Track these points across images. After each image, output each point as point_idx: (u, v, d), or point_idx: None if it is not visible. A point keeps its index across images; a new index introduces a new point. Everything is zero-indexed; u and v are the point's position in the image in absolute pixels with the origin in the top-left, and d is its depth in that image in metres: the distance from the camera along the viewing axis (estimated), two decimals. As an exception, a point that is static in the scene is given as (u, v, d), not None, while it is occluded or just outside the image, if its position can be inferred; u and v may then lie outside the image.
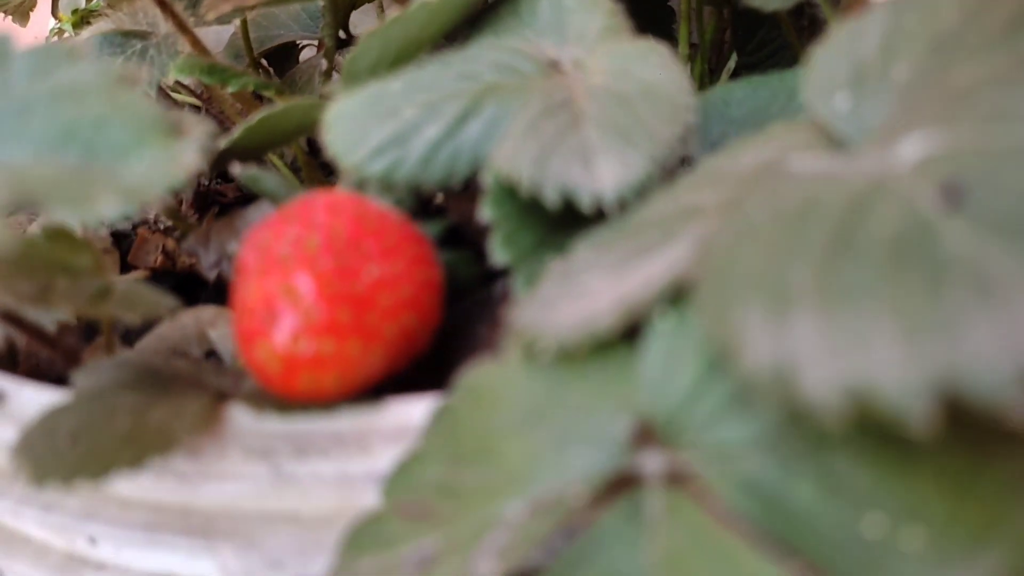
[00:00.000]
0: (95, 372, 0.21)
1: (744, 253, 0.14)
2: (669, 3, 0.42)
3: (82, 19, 0.43)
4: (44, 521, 0.23)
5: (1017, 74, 0.14)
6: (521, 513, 0.16)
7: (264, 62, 0.43)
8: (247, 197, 0.37)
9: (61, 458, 0.18)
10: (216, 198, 0.37)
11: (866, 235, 0.13)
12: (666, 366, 0.15)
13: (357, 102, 0.24)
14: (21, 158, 0.15)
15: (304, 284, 0.18)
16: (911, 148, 0.14)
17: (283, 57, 0.43)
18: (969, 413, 0.11)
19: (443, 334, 0.23)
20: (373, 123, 0.23)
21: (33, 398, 0.21)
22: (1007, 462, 0.13)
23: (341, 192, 0.21)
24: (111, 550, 0.23)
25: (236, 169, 0.24)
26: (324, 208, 0.20)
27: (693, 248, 0.16)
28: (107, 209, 0.14)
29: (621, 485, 0.15)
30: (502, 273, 0.26)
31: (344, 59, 0.37)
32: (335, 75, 0.38)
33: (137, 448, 0.18)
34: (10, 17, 0.50)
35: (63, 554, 0.24)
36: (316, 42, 0.46)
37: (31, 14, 0.50)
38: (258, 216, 0.27)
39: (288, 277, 0.18)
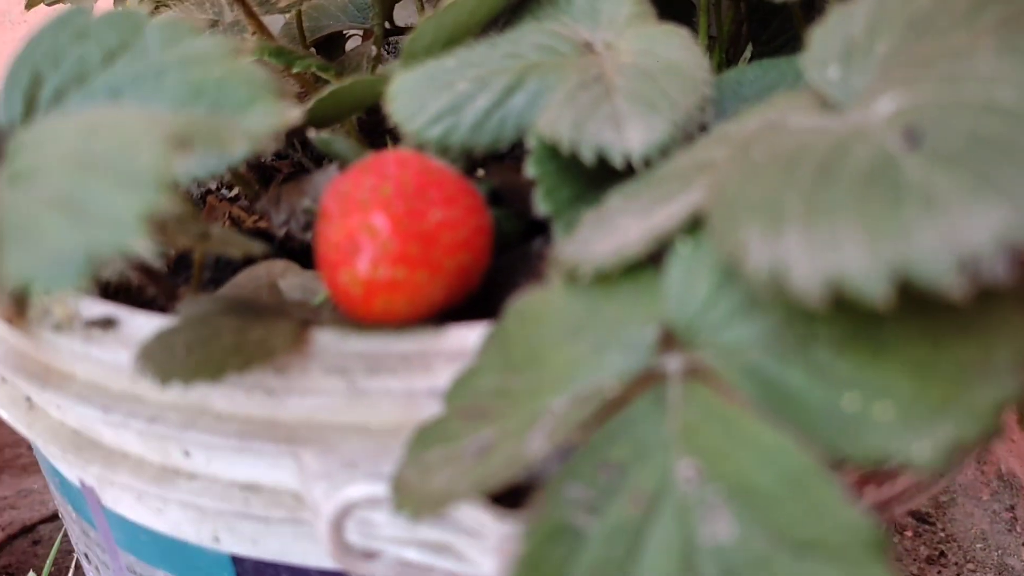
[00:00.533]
0: (196, 303, 0.25)
1: (747, 186, 0.17)
2: (690, -1, 0.45)
3: (152, 9, 0.46)
4: (145, 435, 0.27)
5: (967, 47, 0.17)
6: (565, 404, 0.19)
7: (313, 49, 0.47)
8: (301, 170, 0.40)
9: (181, 364, 0.21)
10: (273, 172, 0.41)
11: (844, 169, 0.16)
12: (685, 283, 0.19)
13: (416, 77, 0.27)
14: (161, 111, 0.19)
15: (381, 222, 0.22)
16: (884, 105, 0.18)
17: (331, 45, 0.47)
18: (920, 296, 0.14)
19: (490, 281, 0.27)
20: (431, 95, 0.27)
21: (144, 323, 0.24)
22: (960, 351, 0.17)
23: (405, 152, 0.25)
24: (203, 461, 0.27)
25: (311, 134, 0.28)
26: (394, 163, 0.23)
27: (707, 188, 0.19)
28: (238, 148, 0.18)
29: (648, 380, 0.19)
30: (540, 231, 0.29)
31: (399, 43, 0.41)
32: (382, 60, 0.42)
33: (243, 356, 0.21)
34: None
35: (159, 467, 0.27)
36: (361, 32, 0.49)
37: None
38: (323, 179, 0.30)
39: (367, 217, 0.22)
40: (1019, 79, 0.16)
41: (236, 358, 0.21)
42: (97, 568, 0.34)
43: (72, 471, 0.31)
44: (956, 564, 0.77)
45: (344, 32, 0.48)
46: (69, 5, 0.32)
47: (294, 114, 0.20)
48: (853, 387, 0.17)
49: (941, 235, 0.14)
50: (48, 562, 0.41)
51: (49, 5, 0.49)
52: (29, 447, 0.88)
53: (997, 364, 0.16)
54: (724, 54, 0.45)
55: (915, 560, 0.78)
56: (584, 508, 0.17)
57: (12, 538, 0.84)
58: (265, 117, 0.19)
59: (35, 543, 0.84)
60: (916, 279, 0.14)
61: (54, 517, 0.86)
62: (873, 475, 0.28)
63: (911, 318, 0.17)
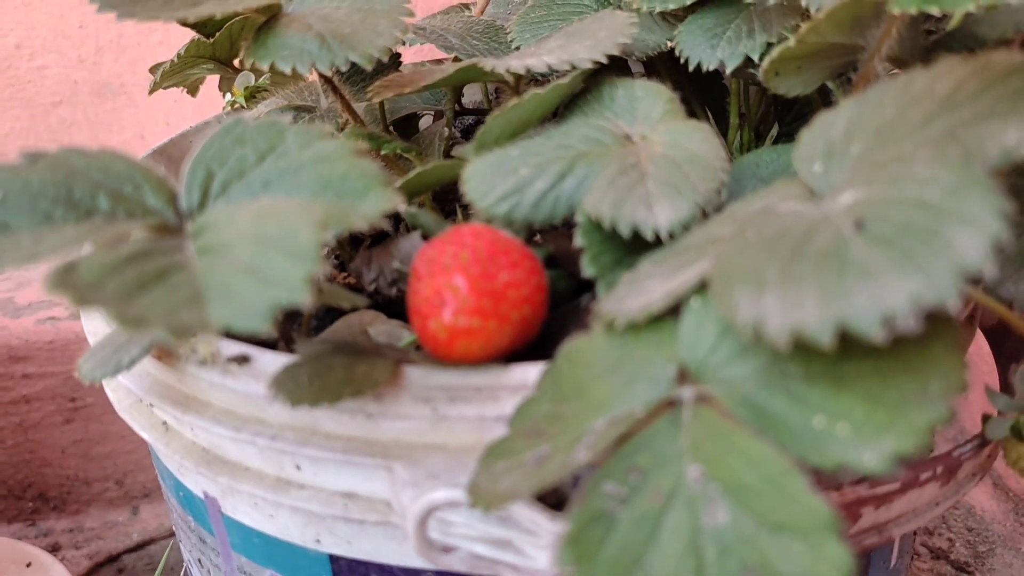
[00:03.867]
0: (310, 344, 0.31)
1: (741, 258, 0.23)
2: (724, 82, 0.51)
3: (252, 95, 0.54)
4: (265, 451, 0.33)
5: (911, 154, 0.23)
6: (604, 425, 0.25)
7: (392, 128, 0.54)
8: (383, 235, 0.47)
9: (305, 390, 0.27)
10: (358, 237, 0.48)
11: (811, 247, 0.22)
12: (696, 332, 0.24)
13: (486, 163, 0.34)
14: (302, 200, 0.25)
15: (461, 282, 0.28)
16: (846, 197, 0.23)
17: (407, 124, 0.54)
18: (856, 341, 0.20)
19: (546, 329, 0.32)
20: (499, 178, 0.33)
21: (272, 360, 0.31)
22: (902, 384, 0.22)
23: (478, 225, 0.31)
24: (311, 473, 0.33)
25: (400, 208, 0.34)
26: (470, 234, 0.30)
27: (712, 259, 0.25)
28: (357, 225, 0.24)
29: (667, 405, 0.24)
30: (586, 289, 0.35)
31: (466, 121, 0.48)
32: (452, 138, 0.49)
33: (354, 386, 0.27)
34: (184, 90, 0.61)
35: (274, 478, 0.33)
36: (432, 112, 0.56)
37: (201, 88, 0.62)
38: (407, 244, 0.37)
39: (450, 278, 0.28)
40: (944, 182, 0.22)
41: (348, 387, 0.27)
42: (209, 571, 0.40)
43: (197, 484, 0.37)
44: (994, 611, 0.80)
45: (418, 112, 0.55)
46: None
47: (399, 201, 0.26)
48: (821, 411, 0.22)
49: (871, 298, 0.20)
50: (159, 571, 0.47)
51: (166, 88, 0.57)
52: (116, 482, 0.95)
53: (931, 394, 0.22)
54: (753, 131, 0.51)
55: (954, 607, 0.81)
56: (616, 500, 0.22)
57: (99, 566, 0.91)
58: (377, 203, 0.25)
59: (119, 571, 0.91)
60: (852, 330, 0.20)
61: (137, 548, 0.93)
62: (870, 498, 0.33)
63: (865, 359, 0.22)
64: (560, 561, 0.22)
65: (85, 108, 0.99)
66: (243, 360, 0.31)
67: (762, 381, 0.23)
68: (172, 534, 0.94)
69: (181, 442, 0.35)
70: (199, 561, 0.41)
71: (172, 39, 0.98)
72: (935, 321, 0.22)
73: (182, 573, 0.47)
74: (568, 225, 0.37)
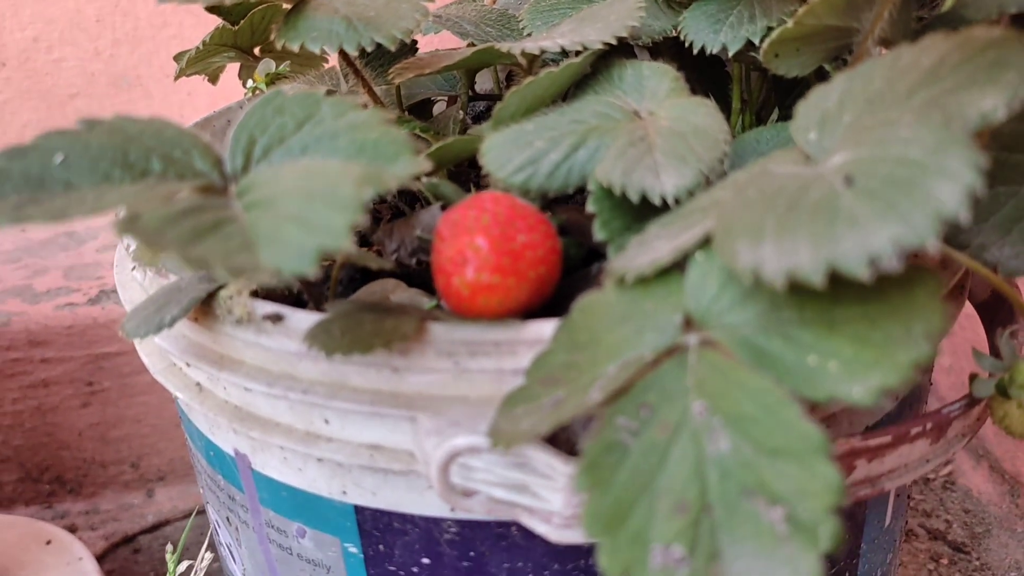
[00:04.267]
0: (338, 304, 0.33)
1: (741, 213, 0.25)
2: (726, 69, 0.53)
3: (272, 80, 0.56)
4: (295, 406, 0.35)
5: (896, 119, 0.25)
6: (616, 369, 0.27)
7: (407, 112, 0.56)
8: (399, 211, 0.49)
9: (338, 342, 0.30)
10: (379, 215, 0.50)
11: (805, 201, 0.24)
12: (700, 283, 0.27)
13: (504, 137, 0.36)
14: (339, 162, 0.28)
15: (482, 242, 0.30)
16: (837, 158, 0.25)
17: (422, 108, 0.56)
18: (844, 280, 0.22)
19: (558, 293, 0.35)
20: (515, 150, 0.35)
21: (304, 318, 0.33)
22: (888, 327, 0.24)
23: (497, 192, 0.33)
24: (338, 427, 0.35)
25: (422, 181, 0.37)
26: (490, 200, 0.32)
27: (715, 217, 0.27)
28: (391, 186, 0.26)
29: (673, 350, 0.26)
30: (595, 259, 0.37)
31: (482, 115, 0.50)
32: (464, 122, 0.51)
33: (383, 337, 0.30)
34: (206, 77, 0.64)
35: (303, 432, 0.36)
36: (446, 98, 0.58)
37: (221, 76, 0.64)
38: (427, 216, 0.39)
39: (472, 238, 0.30)
40: (926, 142, 0.24)
41: (379, 339, 0.30)
42: (237, 528, 0.43)
43: (228, 442, 0.39)
44: (990, 590, 0.82)
45: (432, 98, 0.57)
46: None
47: (427, 165, 0.28)
48: (814, 351, 0.24)
49: (858, 242, 0.22)
50: (178, 552, 0.49)
51: (189, 76, 0.59)
52: (132, 465, 0.98)
53: (914, 335, 0.24)
54: (754, 115, 0.53)
55: (950, 586, 0.83)
56: (628, 432, 0.25)
57: (115, 547, 0.94)
58: (407, 166, 0.28)
59: (135, 551, 0.94)
60: (841, 270, 0.22)
61: (152, 529, 0.95)
62: (863, 451, 0.35)
63: (854, 306, 0.25)
64: (577, 486, 0.24)
65: (101, 100, 1.01)
66: (276, 319, 0.33)
67: (760, 326, 0.25)
68: (187, 516, 0.96)
69: (214, 401, 0.38)
70: (227, 520, 0.43)
71: (185, 33, 1.00)
72: (918, 272, 0.25)
73: (207, 540, 0.49)
74: (578, 198, 0.39)
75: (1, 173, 0.25)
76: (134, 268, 0.39)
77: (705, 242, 0.27)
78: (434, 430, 0.31)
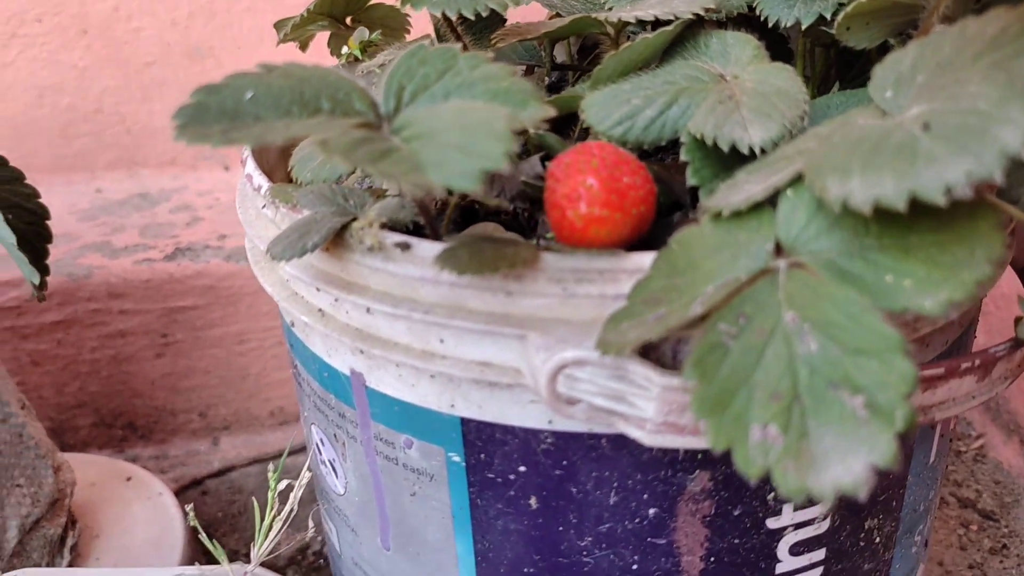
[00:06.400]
0: (456, 237, 0.38)
1: (830, 155, 0.30)
2: (790, 46, 0.57)
3: (364, 48, 0.61)
4: (413, 327, 0.40)
5: (966, 78, 0.29)
6: (714, 289, 0.31)
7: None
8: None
9: (467, 264, 0.34)
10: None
11: (887, 144, 0.28)
12: (790, 215, 0.31)
13: (603, 94, 0.40)
14: (481, 103, 0.32)
15: (593, 181, 0.35)
16: (914, 111, 0.30)
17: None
18: (918, 213, 0.26)
19: (648, 235, 0.39)
20: (614, 106, 0.40)
21: (429, 247, 0.38)
22: (955, 251, 0.29)
23: (600, 141, 0.38)
24: (452, 345, 0.40)
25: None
26: (597, 147, 0.36)
27: (804, 160, 0.31)
28: (524, 126, 0.31)
29: (765, 272, 0.31)
30: (676, 208, 0.42)
31: (554, 86, 0.54)
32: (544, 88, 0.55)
33: (507, 260, 0.34)
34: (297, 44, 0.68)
35: (420, 351, 0.40)
36: (523, 67, 0.63)
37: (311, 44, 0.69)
38: (527, 166, 0.44)
39: (584, 178, 0.35)
40: (992, 97, 0.28)
41: (503, 261, 0.34)
42: (344, 443, 0.48)
43: (346, 363, 0.44)
44: (1017, 556, 0.86)
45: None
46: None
47: (551, 111, 0.33)
48: (891, 272, 0.29)
49: (936, 174, 0.26)
50: (278, 472, 0.54)
51: (284, 41, 0.64)
52: (200, 415, 1.03)
53: (977, 259, 0.28)
54: (816, 90, 0.57)
55: (979, 551, 0.87)
56: (728, 336, 0.29)
57: (184, 489, 0.99)
58: (537, 111, 0.32)
59: (203, 494, 0.99)
60: (921, 197, 0.26)
61: (219, 474, 1.01)
62: (919, 380, 0.39)
63: (927, 234, 0.29)
64: (687, 375, 0.29)
65: (176, 69, 1.07)
66: (405, 247, 0.38)
67: (844, 251, 0.30)
68: (250, 463, 1.02)
69: (336, 324, 0.42)
70: (334, 436, 0.48)
71: (258, 6, 1.05)
72: (981, 206, 0.29)
73: (307, 460, 0.54)
74: (661, 156, 0.43)
75: (203, 106, 0.30)
76: (264, 206, 0.44)
77: (794, 181, 0.31)
78: (544, 346, 0.36)
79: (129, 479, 0.86)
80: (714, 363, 0.29)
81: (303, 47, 0.69)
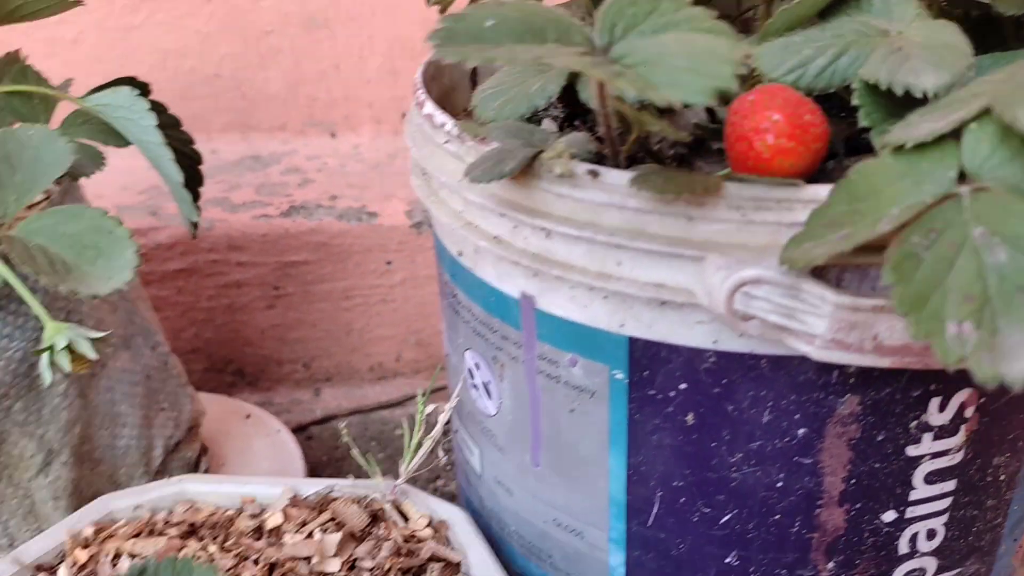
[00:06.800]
0: (639, 168, 0.42)
1: (1015, 92, 0.33)
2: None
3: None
4: (591, 250, 0.44)
5: None
6: (898, 210, 0.35)
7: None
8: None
9: (660, 187, 0.38)
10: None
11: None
12: (974, 145, 0.34)
13: (775, 45, 0.44)
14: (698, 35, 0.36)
15: (778, 116, 0.38)
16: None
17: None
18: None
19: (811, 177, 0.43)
20: (786, 56, 0.43)
21: (617, 175, 0.41)
22: None
23: (778, 85, 0.41)
24: (628, 268, 0.43)
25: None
26: (777, 88, 0.40)
27: (988, 97, 0.35)
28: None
29: (950, 196, 0.34)
30: (832, 157, 0.45)
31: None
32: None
33: (700, 184, 0.38)
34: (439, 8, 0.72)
35: (595, 272, 0.44)
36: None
37: None
38: (689, 113, 0.47)
39: (770, 113, 0.38)
40: None
41: (696, 185, 0.38)
42: (503, 365, 0.52)
43: (517, 286, 0.48)
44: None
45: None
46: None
47: (749, 49, 0.36)
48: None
49: None
50: (421, 407, 0.58)
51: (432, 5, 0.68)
52: (304, 365, 1.08)
53: None
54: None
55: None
56: (921, 247, 0.33)
57: (291, 432, 1.04)
58: (738, 51, 0.36)
59: (308, 439, 1.04)
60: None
61: (322, 421, 1.06)
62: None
63: (1107, 161, 0.32)
64: (885, 278, 0.32)
65: (292, 38, 1.12)
66: (595, 174, 0.42)
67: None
68: (351, 414, 1.07)
69: (512, 249, 0.46)
70: (493, 359, 0.52)
71: (373, -22, 1.10)
72: None
73: (459, 384, 0.58)
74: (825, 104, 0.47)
75: (452, 30, 0.34)
76: (447, 141, 0.48)
77: (979, 116, 0.35)
78: (724, 265, 0.40)
79: (248, 416, 0.92)
80: (910, 269, 0.32)
81: (443, 8, 0.74)
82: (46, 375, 0.53)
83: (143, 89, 0.69)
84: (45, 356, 0.53)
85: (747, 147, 0.39)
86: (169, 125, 0.72)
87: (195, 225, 0.71)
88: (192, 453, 0.77)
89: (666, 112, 0.49)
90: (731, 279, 0.39)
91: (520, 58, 0.33)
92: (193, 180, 0.74)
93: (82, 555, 0.54)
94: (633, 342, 0.45)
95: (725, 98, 0.43)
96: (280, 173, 1.12)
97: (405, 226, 1.02)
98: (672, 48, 0.34)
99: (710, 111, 0.48)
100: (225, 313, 1.05)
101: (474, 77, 0.66)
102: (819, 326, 0.39)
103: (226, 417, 0.91)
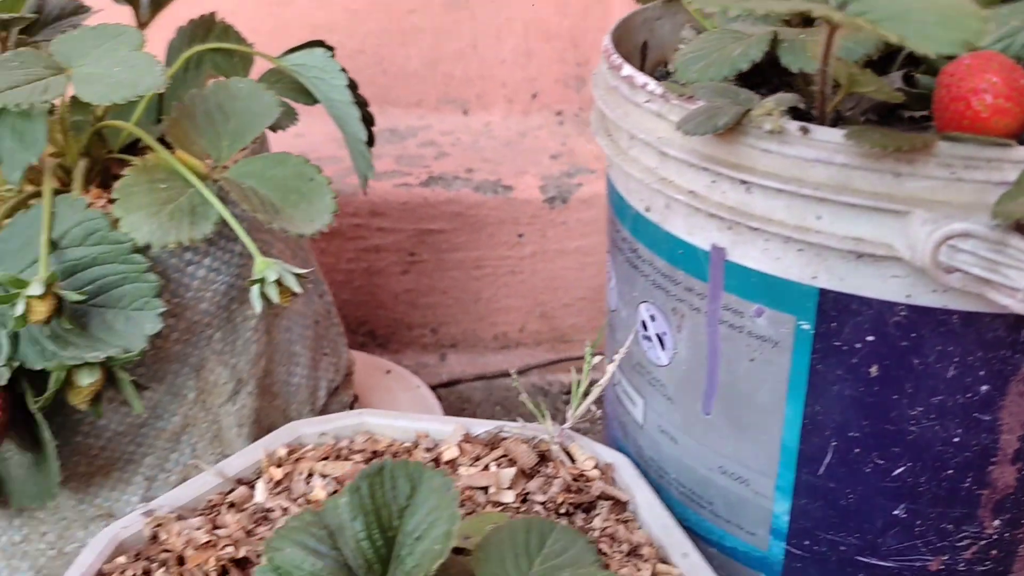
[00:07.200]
0: (853, 125, 0.44)
1: None
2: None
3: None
4: (791, 204, 0.46)
5: None
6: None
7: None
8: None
9: (877, 141, 0.41)
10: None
11: None
12: None
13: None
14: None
15: (996, 79, 0.41)
16: None
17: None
18: None
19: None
20: (993, 27, 0.45)
21: (826, 131, 0.44)
22: None
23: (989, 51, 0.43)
24: (828, 222, 0.46)
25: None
26: (989, 54, 0.42)
27: None
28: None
29: None
30: None
31: None
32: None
33: (912, 140, 0.41)
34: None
35: (794, 226, 0.47)
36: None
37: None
38: (888, 80, 0.49)
39: (988, 75, 0.41)
40: None
41: (915, 140, 0.41)
42: (682, 315, 0.55)
43: (708, 238, 0.51)
44: None
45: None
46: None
47: (988, 24, 0.39)
48: None
49: None
50: (588, 357, 0.61)
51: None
52: (432, 330, 1.13)
53: None
54: None
55: None
56: None
57: (415, 395, 1.08)
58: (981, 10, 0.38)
59: (437, 399, 1.09)
60: None
61: (448, 384, 1.11)
62: None
63: None
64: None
65: (433, 18, 1.17)
66: (805, 131, 0.44)
67: None
68: (475, 379, 1.11)
69: (709, 203, 0.50)
70: (672, 310, 0.55)
71: (516, -37, 1.14)
72: None
73: (631, 336, 0.61)
74: None
75: None
76: (648, 101, 0.52)
77: None
78: (931, 220, 0.42)
79: (389, 372, 0.96)
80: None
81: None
82: (256, 304, 0.58)
83: (332, 53, 0.74)
84: (256, 287, 0.58)
85: (964, 107, 0.41)
86: (351, 87, 0.77)
87: (366, 180, 0.76)
88: (348, 398, 0.82)
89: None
90: (938, 232, 0.42)
91: (775, 10, 0.36)
92: (369, 140, 0.79)
93: (277, 472, 0.59)
94: (823, 294, 0.48)
95: (931, 68, 0.45)
96: (416, 146, 1.17)
97: (538, 200, 1.05)
98: (917, 4, 0.36)
99: (908, 78, 0.51)
100: (363, 276, 1.10)
101: (644, 51, 0.69)
102: (1020, 280, 0.41)
103: (369, 371, 0.96)
